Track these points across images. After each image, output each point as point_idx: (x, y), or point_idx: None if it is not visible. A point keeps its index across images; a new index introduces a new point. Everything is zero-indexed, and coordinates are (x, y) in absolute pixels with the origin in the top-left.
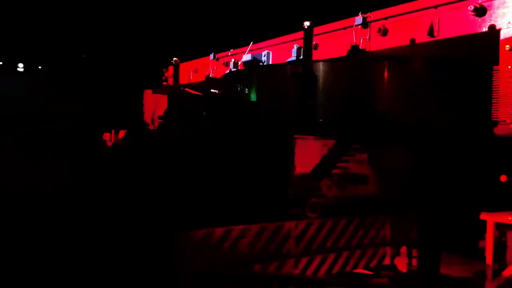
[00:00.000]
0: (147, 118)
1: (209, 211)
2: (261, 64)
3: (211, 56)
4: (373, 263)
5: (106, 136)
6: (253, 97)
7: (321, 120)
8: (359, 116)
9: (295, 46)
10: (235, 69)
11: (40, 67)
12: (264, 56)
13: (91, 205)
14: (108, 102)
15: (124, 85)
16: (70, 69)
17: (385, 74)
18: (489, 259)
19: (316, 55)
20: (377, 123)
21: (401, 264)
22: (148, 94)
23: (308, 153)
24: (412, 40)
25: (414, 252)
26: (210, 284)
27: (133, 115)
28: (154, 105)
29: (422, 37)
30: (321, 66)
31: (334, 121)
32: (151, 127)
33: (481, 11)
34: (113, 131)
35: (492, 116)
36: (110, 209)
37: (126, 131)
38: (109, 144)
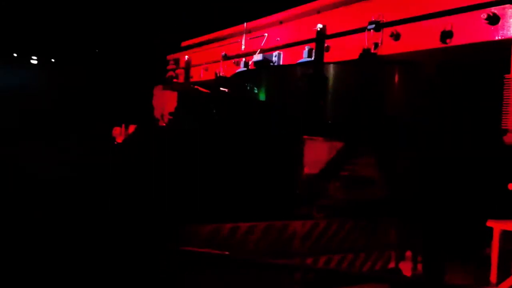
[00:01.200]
0: (157, 114)
1: (218, 208)
2: (271, 64)
3: (222, 55)
4: (377, 266)
5: (116, 130)
6: (263, 96)
7: (330, 121)
8: (369, 119)
9: (307, 48)
10: (245, 69)
11: (53, 60)
12: (275, 56)
13: (100, 197)
14: (118, 97)
15: (135, 81)
16: (83, 63)
17: (396, 78)
18: (494, 266)
19: (327, 57)
20: (386, 126)
21: (406, 268)
22: (158, 90)
23: (316, 154)
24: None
25: (420, 257)
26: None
27: (143, 111)
28: (164, 101)
29: (434, 43)
30: (332, 68)
31: (343, 123)
32: (161, 123)
33: (494, 20)
34: (123, 125)
35: (502, 125)
36: (120, 203)
37: (136, 126)
38: (119, 138)
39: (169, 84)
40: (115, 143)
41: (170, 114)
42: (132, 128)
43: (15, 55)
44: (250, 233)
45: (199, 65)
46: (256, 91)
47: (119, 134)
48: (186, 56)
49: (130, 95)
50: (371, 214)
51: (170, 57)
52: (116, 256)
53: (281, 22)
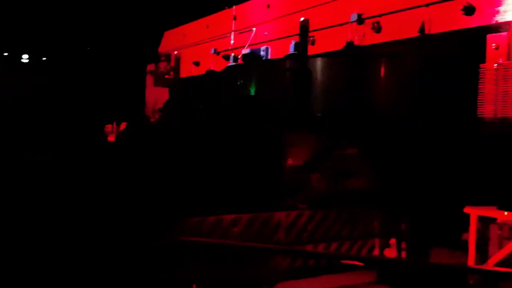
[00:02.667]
0: (148, 110)
1: (205, 200)
2: (260, 58)
3: (212, 50)
4: (362, 254)
5: (108, 128)
6: (252, 91)
7: (315, 114)
8: (353, 112)
9: (293, 42)
10: (234, 63)
11: (44, 59)
12: (263, 51)
13: (94, 194)
14: (110, 94)
15: (126, 78)
16: (74, 61)
17: (380, 71)
18: (471, 251)
19: (313, 50)
20: (370, 118)
21: (390, 255)
22: (149, 87)
23: (301, 147)
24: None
25: (403, 244)
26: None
27: (134, 108)
28: (155, 98)
29: (413, 33)
30: (317, 62)
31: (328, 116)
32: (152, 119)
33: (470, 10)
34: (114, 123)
35: (478, 113)
36: (114, 198)
37: (127, 123)
38: (111, 135)
39: (160, 80)
40: (107, 140)
41: (161, 110)
42: (123, 125)
43: (5, 54)
44: (234, 225)
45: (190, 60)
46: (245, 86)
47: (110, 131)
48: (176, 52)
49: (121, 92)
50: (354, 204)
51: (160, 52)
52: (117, 248)
53: (268, 6)
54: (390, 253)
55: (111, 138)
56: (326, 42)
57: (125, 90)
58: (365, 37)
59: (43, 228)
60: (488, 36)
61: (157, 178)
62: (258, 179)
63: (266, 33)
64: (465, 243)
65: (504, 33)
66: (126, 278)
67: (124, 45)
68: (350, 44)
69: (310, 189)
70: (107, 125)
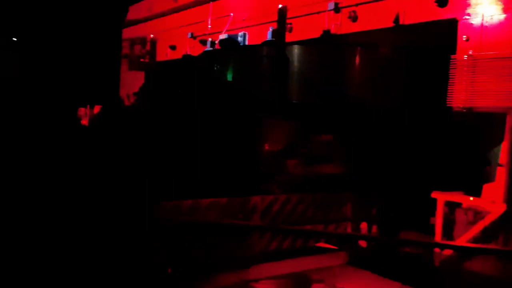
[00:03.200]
0: (123, 94)
1: (181, 185)
2: (237, 44)
3: (189, 34)
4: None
5: (81, 111)
6: (229, 77)
7: (292, 101)
8: (329, 99)
9: (271, 28)
10: (211, 49)
11: (15, 39)
12: (241, 36)
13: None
14: (84, 77)
15: (100, 61)
16: (46, 41)
17: (356, 59)
18: (438, 234)
19: (290, 37)
20: (344, 106)
21: (361, 239)
22: (124, 71)
23: (278, 133)
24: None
25: (374, 228)
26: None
27: (109, 91)
28: (130, 81)
29: (389, 24)
30: (294, 49)
31: (305, 102)
32: (127, 102)
33: (443, 2)
34: (88, 106)
35: (447, 102)
36: (88, 183)
37: (101, 106)
38: (84, 119)
39: (135, 64)
40: (81, 124)
41: (136, 94)
42: (97, 109)
43: None
44: (211, 208)
45: (166, 44)
46: (223, 71)
47: (84, 115)
48: (152, 35)
49: (95, 75)
50: (328, 189)
51: (136, 36)
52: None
53: None
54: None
55: (84, 122)
56: (303, 30)
57: (100, 73)
58: (342, 26)
59: None
60: (459, 28)
61: (131, 162)
62: (235, 164)
63: (244, 19)
64: (433, 227)
65: (475, 25)
66: (103, 262)
67: (100, 28)
68: (327, 33)
69: (286, 174)
70: (80, 108)
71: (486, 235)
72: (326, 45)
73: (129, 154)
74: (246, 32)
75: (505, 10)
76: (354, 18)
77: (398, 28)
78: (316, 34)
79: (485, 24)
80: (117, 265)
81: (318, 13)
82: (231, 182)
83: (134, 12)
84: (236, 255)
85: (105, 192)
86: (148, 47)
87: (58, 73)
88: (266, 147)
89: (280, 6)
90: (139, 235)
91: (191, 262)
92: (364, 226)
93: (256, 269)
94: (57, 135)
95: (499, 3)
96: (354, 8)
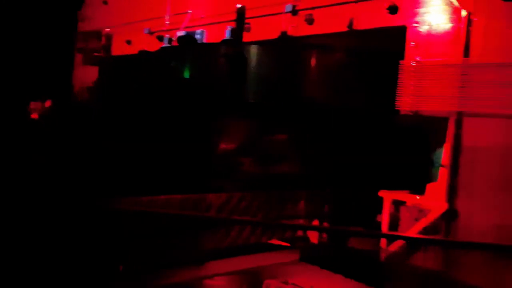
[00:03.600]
0: (76, 88)
1: (138, 182)
2: (195, 41)
3: (145, 30)
4: (287, 234)
5: (32, 105)
6: (186, 74)
7: (249, 100)
8: (284, 99)
9: (229, 27)
10: (169, 45)
11: None
12: (199, 34)
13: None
14: (36, 71)
15: (54, 54)
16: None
17: (311, 61)
18: (384, 231)
19: (249, 37)
20: (299, 106)
21: (313, 236)
22: (78, 65)
23: (234, 131)
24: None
25: (326, 225)
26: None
27: (62, 85)
28: (84, 76)
29: (344, 29)
30: (252, 49)
31: (261, 102)
32: (80, 97)
33: (393, 9)
34: (39, 100)
35: (396, 105)
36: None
37: (52, 100)
38: (35, 113)
39: (89, 58)
40: (31, 117)
41: (90, 88)
42: (48, 103)
43: None
44: (167, 206)
45: (122, 39)
46: (179, 68)
47: (34, 109)
48: (107, 29)
49: (49, 69)
50: (282, 187)
51: (91, 30)
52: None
53: None
54: (313, 233)
55: (35, 116)
56: (262, 30)
57: (53, 67)
58: (299, 28)
59: None
60: (408, 34)
61: (82, 158)
62: (191, 161)
63: (202, 16)
64: (379, 224)
65: (423, 33)
66: (60, 258)
67: (54, 20)
68: (284, 34)
69: (242, 172)
70: (31, 102)
71: (428, 231)
72: (283, 46)
73: (77, 147)
74: (205, 30)
75: (450, 20)
76: (310, 21)
77: (352, 33)
78: (274, 35)
79: (432, 32)
80: (59, 263)
81: (276, 14)
82: (186, 180)
83: (89, 5)
84: (191, 252)
85: (49, 184)
86: (103, 41)
87: (9, 66)
88: (222, 145)
89: (238, 5)
90: (87, 229)
91: (144, 259)
92: (316, 223)
93: (209, 265)
94: None
95: (445, 12)
96: (310, 11)
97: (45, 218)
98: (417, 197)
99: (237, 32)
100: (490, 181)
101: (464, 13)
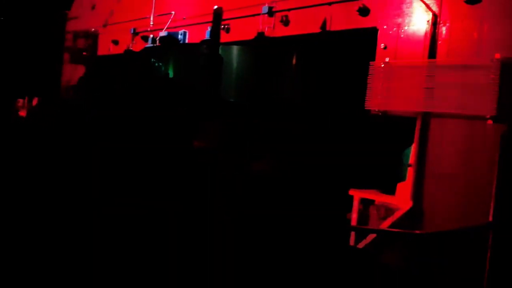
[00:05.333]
0: (63, 86)
1: (112, 186)
2: (177, 42)
3: (131, 30)
4: None
5: (19, 102)
6: (170, 73)
7: (228, 99)
8: (262, 98)
9: (209, 28)
10: (152, 45)
11: None
12: (181, 34)
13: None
14: (23, 69)
15: (41, 52)
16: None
17: (286, 61)
18: None
19: (228, 38)
20: (274, 105)
21: None
22: (66, 63)
23: (213, 130)
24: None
25: None
26: None
27: (50, 83)
28: (71, 74)
29: (317, 30)
30: (230, 49)
31: (239, 101)
32: (66, 95)
33: (364, 12)
34: (26, 98)
35: (366, 105)
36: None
37: (39, 98)
38: (22, 110)
39: (76, 57)
40: (18, 115)
41: (75, 87)
42: (35, 101)
43: None
44: None
45: (109, 39)
46: (163, 68)
47: (21, 106)
48: (94, 29)
49: (36, 67)
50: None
51: (78, 30)
52: None
53: None
54: None
55: (22, 113)
56: (240, 31)
57: (42, 64)
58: (275, 29)
59: None
60: (379, 36)
61: (66, 156)
62: (169, 161)
63: (184, 17)
64: (349, 221)
65: (392, 35)
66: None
67: (41, 19)
68: (261, 35)
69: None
70: (19, 99)
71: (395, 228)
72: (259, 47)
73: (65, 146)
74: (187, 31)
75: (418, 22)
76: (286, 22)
77: (325, 34)
78: (252, 35)
79: (401, 34)
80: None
81: (253, 15)
82: (163, 179)
83: (78, 5)
84: None
85: (37, 184)
86: (90, 40)
87: None
88: (201, 144)
89: (215, 7)
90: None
91: None
92: None
93: None
94: None
95: (414, 15)
96: (286, 12)
97: (38, 218)
98: (388, 196)
99: (214, 32)
100: (454, 181)
101: (430, 15)
